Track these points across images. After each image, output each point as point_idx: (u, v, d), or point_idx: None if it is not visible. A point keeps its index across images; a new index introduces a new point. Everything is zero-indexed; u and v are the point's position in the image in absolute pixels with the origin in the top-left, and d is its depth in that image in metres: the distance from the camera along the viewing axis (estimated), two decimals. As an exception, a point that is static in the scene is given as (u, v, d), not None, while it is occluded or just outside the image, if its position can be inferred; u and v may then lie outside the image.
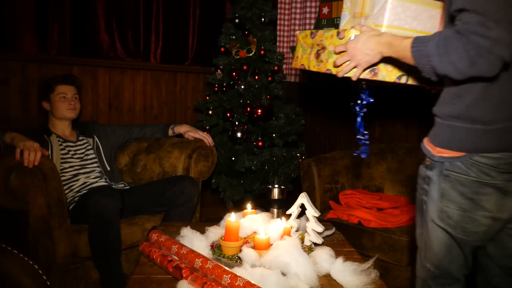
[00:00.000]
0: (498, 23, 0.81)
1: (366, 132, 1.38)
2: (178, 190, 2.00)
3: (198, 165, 2.31)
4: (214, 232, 1.43)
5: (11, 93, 2.27)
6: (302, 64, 1.33)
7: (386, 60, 1.14)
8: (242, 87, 2.72)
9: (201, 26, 3.11)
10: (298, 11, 3.10)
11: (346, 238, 1.57)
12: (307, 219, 1.39)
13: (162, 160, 2.35)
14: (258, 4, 2.76)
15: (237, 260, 1.25)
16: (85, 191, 1.99)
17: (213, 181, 2.82)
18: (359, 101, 1.36)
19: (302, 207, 1.41)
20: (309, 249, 1.36)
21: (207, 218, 2.99)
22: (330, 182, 2.39)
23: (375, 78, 1.19)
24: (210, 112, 2.82)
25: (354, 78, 1.16)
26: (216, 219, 1.58)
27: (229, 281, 1.03)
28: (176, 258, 1.21)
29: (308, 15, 3.06)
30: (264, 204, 2.20)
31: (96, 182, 2.08)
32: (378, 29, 1.14)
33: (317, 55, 1.25)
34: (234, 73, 2.74)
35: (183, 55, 3.07)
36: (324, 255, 1.25)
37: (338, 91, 2.97)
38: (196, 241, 1.32)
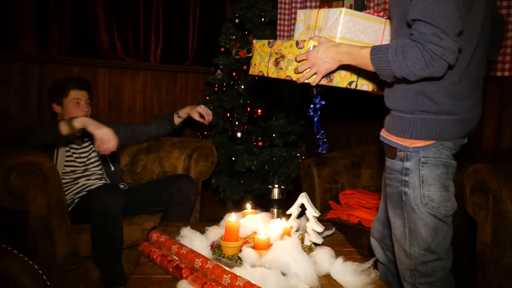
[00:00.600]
0: (448, 35, 0.99)
1: (323, 131, 1.54)
2: (176, 189, 2.00)
3: (198, 165, 2.31)
4: (214, 232, 1.43)
5: (11, 93, 2.27)
6: (261, 71, 1.44)
7: (341, 68, 1.29)
8: (242, 87, 2.72)
9: (201, 26, 3.12)
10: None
11: (346, 238, 1.57)
12: (307, 219, 1.39)
13: (162, 160, 2.35)
14: (258, 4, 2.76)
15: (237, 260, 1.25)
16: (84, 193, 1.99)
17: (213, 181, 2.82)
18: (312, 105, 1.51)
19: (302, 207, 1.41)
20: (309, 249, 1.36)
21: (207, 218, 2.99)
22: (330, 182, 2.39)
23: (330, 84, 1.35)
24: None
25: (313, 84, 1.29)
26: (216, 219, 1.58)
27: (229, 281, 1.03)
28: (176, 258, 1.21)
29: (308, 15, 3.06)
30: (264, 204, 2.20)
31: (96, 183, 2.08)
32: (333, 40, 1.28)
33: (276, 63, 1.38)
34: (234, 73, 2.74)
35: (183, 55, 3.07)
36: (324, 255, 1.25)
37: (338, 91, 2.97)
38: (196, 241, 1.32)
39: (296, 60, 1.29)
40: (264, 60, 1.43)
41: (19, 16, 2.28)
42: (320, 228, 1.36)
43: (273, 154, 2.78)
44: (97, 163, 2.15)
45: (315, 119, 1.51)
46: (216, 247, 1.34)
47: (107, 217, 1.74)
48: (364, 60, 1.14)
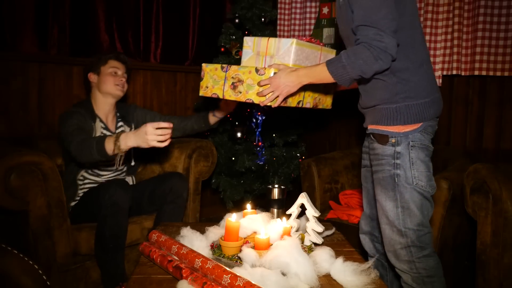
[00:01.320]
0: (386, 33, 1.20)
1: (262, 145, 1.78)
2: (167, 188, 2.00)
3: (198, 165, 2.31)
4: (214, 232, 1.43)
5: (11, 93, 2.27)
6: (215, 93, 1.59)
7: (293, 92, 1.45)
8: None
9: (201, 26, 3.12)
10: (298, 11, 3.10)
11: (346, 238, 1.57)
12: (307, 219, 1.39)
13: (162, 160, 2.35)
14: (258, 4, 2.76)
15: (237, 260, 1.25)
16: (91, 187, 1.99)
17: (213, 181, 2.82)
18: (254, 119, 1.76)
19: (302, 207, 1.41)
20: (309, 249, 1.36)
21: (207, 218, 2.99)
22: (330, 182, 2.39)
23: (285, 105, 1.52)
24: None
25: (274, 106, 1.47)
26: (216, 219, 1.58)
27: (229, 281, 1.03)
28: (176, 258, 1.21)
29: (308, 15, 3.06)
30: (264, 204, 2.20)
31: (104, 178, 2.05)
32: (291, 67, 1.45)
33: (234, 87, 1.52)
34: (234, 73, 2.74)
35: (183, 55, 3.07)
36: (324, 255, 1.25)
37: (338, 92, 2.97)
38: (196, 241, 1.32)
39: (259, 85, 1.44)
40: (219, 83, 1.57)
41: (19, 16, 2.28)
42: (320, 228, 1.37)
43: (273, 154, 2.78)
44: (123, 166, 2.11)
45: (257, 133, 1.78)
46: (216, 247, 1.34)
47: (118, 210, 1.73)
48: (322, 74, 1.32)
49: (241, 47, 2.79)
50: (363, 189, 1.61)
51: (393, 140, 1.33)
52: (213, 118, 2.23)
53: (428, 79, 1.36)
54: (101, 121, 2.04)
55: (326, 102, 1.77)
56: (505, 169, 1.63)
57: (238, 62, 2.82)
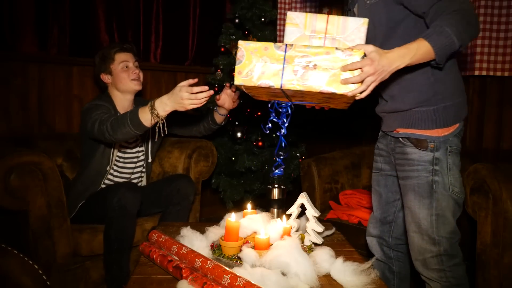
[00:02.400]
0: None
1: (281, 153, 1.44)
2: (174, 189, 1.99)
3: (198, 165, 2.31)
4: (214, 232, 1.43)
5: (11, 93, 2.27)
6: (265, 82, 1.17)
7: None
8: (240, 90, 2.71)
9: (201, 26, 3.12)
10: (298, 11, 3.10)
11: (346, 238, 1.57)
12: (307, 219, 1.39)
13: (162, 160, 2.35)
14: (258, 4, 2.76)
15: (237, 260, 1.25)
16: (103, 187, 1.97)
17: (213, 181, 2.82)
18: (269, 122, 1.40)
19: (302, 207, 1.41)
20: (309, 249, 1.36)
21: (207, 218, 2.99)
22: (330, 182, 2.39)
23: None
24: (210, 112, 2.82)
25: (362, 97, 1.16)
26: (216, 219, 1.58)
27: (229, 281, 1.03)
28: (176, 258, 1.21)
29: (308, 15, 3.06)
30: (264, 204, 2.20)
31: (117, 179, 2.03)
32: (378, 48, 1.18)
33: (298, 72, 1.16)
34: (234, 73, 2.74)
35: (183, 55, 3.07)
36: (324, 255, 1.25)
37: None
38: (196, 241, 1.32)
39: (344, 69, 1.12)
40: (273, 68, 1.17)
41: (19, 16, 2.28)
42: (320, 228, 1.36)
43: (273, 154, 2.78)
44: (136, 154, 2.07)
45: (281, 137, 1.38)
46: (216, 247, 1.34)
47: (126, 213, 1.71)
48: (422, 50, 1.12)
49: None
50: (374, 193, 1.56)
51: (432, 145, 1.28)
52: (218, 116, 2.12)
53: (459, 76, 1.31)
54: None
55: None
56: (505, 169, 1.63)
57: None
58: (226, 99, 1.98)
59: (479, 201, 1.63)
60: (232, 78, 2.76)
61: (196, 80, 1.53)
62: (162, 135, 1.64)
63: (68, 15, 2.46)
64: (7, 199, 1.63)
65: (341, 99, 1.23)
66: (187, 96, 1.49)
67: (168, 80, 3.00)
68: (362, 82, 1.12)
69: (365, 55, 1.12)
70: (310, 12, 3.05)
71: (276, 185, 1.82)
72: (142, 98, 2.20)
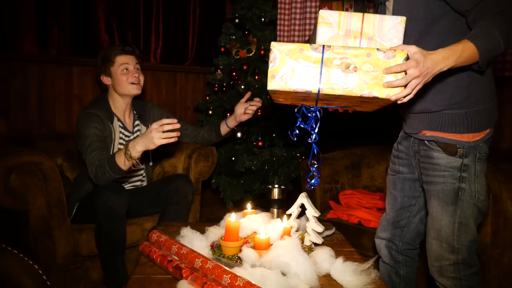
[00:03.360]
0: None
1: (315, 162, 1.33)
2: (173, 189, 1.99)
3: (198, 165, 2.31)
4: (214, 232, 1.43)
5: (11, 93, 2.27)
6: (302, 87, 1.10)
7: None
8: (242, 87, 2.72)
9: (201, 26, 3.12)
10: (298, 11, 3.10)
11: (346, 238, 1.57)
12: (307, 219, 1.39)
13: (163, 160, 2.35)
14: (258, 4, 2.76)
15: (237, 260, 1.25)
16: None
17: (213, 181, 2.82)
18: (296, 129, 1.32)
19: (302, 207, 1.41)
20: (309, 249, 1.36)
21: (207, 218, 2.99)
22: (330, 182, 2.39)
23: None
24: (210, 112, 2.82)
25: (404, 101, 1.09)
26: (216, 219, 1.58)
27: (229, 281, 1.03)
28: (176, 258, 1.21)
29: (308, 15, 3.06)
30: (264, 204, 2.20)
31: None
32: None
33: (339, 76, 1.09)
34: (234, 73, 2.74)
35: (183, 55, 3.07)
36: (324, 255, 1.25)
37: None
38: (196, 241, 1.32)
39: (387, 72, 1.06)
40: (310, 71, 1.10)
41: (19, 16, 2.28)
42: (320, 228, 1.36)
43: (273, 154, 2.78)
44: (142, 166, 2.10)
45: (313, 146, 1.30)
46: (216, 247, 1.34)
47: (112, 216, 1.72)
48: (467, 52, 1.08)
49: (241, 47, 2.79)
50: (389, 195, 1.51)
51: (461, 151, 1.23)
52: (225, 128, 2.18)
53: (492, 78, 1.25)
54: (119, 120, 2.01)
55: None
56: (505, 169, 1.63)
57: (238, 61, 2.82)
58: (241, 107, 2.06)
59: (479, 201, 1.63)
60: (232, 78, 2.76)
61: (170, 121, 1.61)
62: (135, 167, 1.72)
63: (68, 15, 2.46)
64: (7, 199, 1.63)
65: (377, 103, 1.17)
66: (155, 129, 1.60)
67: (168, 80, 3.00)
68: (406, 85, 1.06)
69: (408, 56, 1.06)
70: (310, 9, 3.05)
71: (276, 185, 1.82)
72: (141, 101, 2.20)
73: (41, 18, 2.36)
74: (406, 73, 1.05)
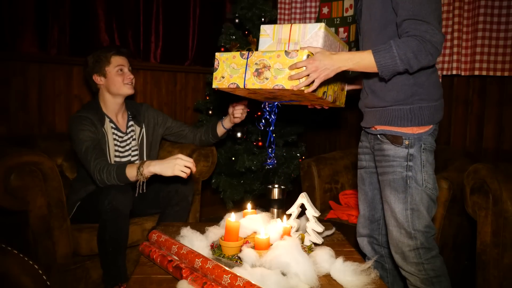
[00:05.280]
0: (438, 29, 1.20)
1: (273, 146, 1.69)
2: (172, 190, 1.98)
3: (198, 165, 2.31)
4: (214, 232, 1.43)
5: (11, 93, 2.27)
6: (234, 83, 1.44)
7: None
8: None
9: (201, 26, 3.12)
10: (298, 11, 3.11)
11: (346, 238, 1.57)
12: (307, 219, 1.39)
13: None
14: (258, 4, 2.77)
15: (237, 260, 1.25)
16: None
17: (213, 181, 2.82)
18: (263, 120, 1.63)
19: (302, 207, 1.41)
20: (309, 249, 1.36)
21: (207, 218, 2.99)
22: (330, 182, 2.39)
23: (312, 93, 1.39)
24: (210, 112, 2.82)
25: (309, 91, 1.33)
26: (216, 219, 1.58)
27: (229, 281, 1.03)
28: (176, 258, 1.21)
29: (308, 15, 3.06)
30: (264, 204, 2.20)
31: None
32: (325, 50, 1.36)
33: (258, 73, 1.39)
34: (234, 73, 2.74)
35: (183, 55, 3.07)
36: (324, 255, 1.25)
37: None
38: (196, 241, 1.32)
39: (291, 68, 1.33)
40: (238, 71, 1.43)
41: (19, 16, 2.28)
42: (320, 228, 1.37)
43: (273, 154, 2.78)
44: (129, 158, 2.08)
45: (269, 132, 1.61)
46: (216, 247, 1.34)
47: (118, 215, 1.71)
48: (365, 61, 1.26)
49: (241, 47, 2.79)
50: (360, 191, 1.60)
51: (407, 142, 1.34)
52: (221, 129, 2.21)
53: (438, 82, 1.37)
54: (111, 121, 2.00)
55: (341, 99, 1.69)
56: (505, 169, 1.63)
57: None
58: (231, 109, 2.10)
59: (479, 201, 1.63)
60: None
61: (193, 164, 1.70)
62: (140, 192, 1.76)
63: (68, 15, 2.46)
64: (7, 199, 1.63)
65: (308, 97, 1.46)
66: (181, 166, 1.65)
67: (168, 80, 3.00)
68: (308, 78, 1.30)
69: (310, 55, 1.31)
70: (310, 9, 3.06)
71: (276, 185, 1.82)
72: (134, 101, 2.21)
73: (41, 18, 2.36)
74: (306, 68, 1.29)
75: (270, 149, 1.67)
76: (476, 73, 2.28)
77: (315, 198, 2.31)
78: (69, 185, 2.03)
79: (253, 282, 1.01)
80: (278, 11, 3.10)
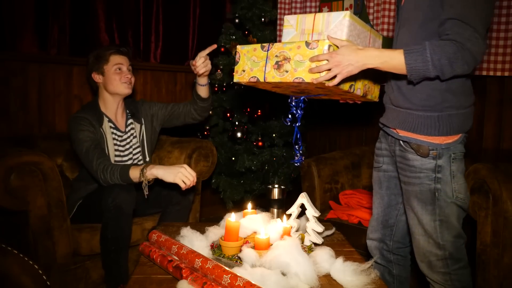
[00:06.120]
0: (482, 37, 1.09)
1: (300, 142, 1.59)
2: (174, 189, 1.98)
3: (198, 165, 2.31)
4: (214, 232, 1.43)
5: (11, 93, 2.27)
6: (254, 77, 1.38)
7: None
8: (242, 87, 2.72)
9: (201, 26, 3.12)
10: (298, 11, 3.10)
11: (346, 238, 1.57)
12: (307, 219, 1.39)
13: (162, 160, 2.35)
14: (258, 4, 2.77)
15: (237, 260, 1.25)
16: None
17: (213, 181, 2.82)
18: (290, 115, 1.54)
19: (302, 207, 1.41)
20: (309, 249, 1.36)
21: (207, 218, 2.99)
22: (330, 182, 2.39)
23: (338, 87, 1.30)
24: (210, 112, 2.82)
25: (330, 85, 1.25)
26: (216, 219, 1.58)
27: (229, 281, 1.03)
28: (176, 258, 1.21)
29: (308, 15, 3.06)
30: (264, 204, 2.20)
31: None
32: (356, 44, 1.27)
33: (278, 66, 1.32)
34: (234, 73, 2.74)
35: (183, 55, 3.07)
36: (324, 255, 1.25)
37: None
38: (196, 241, 1.32)
39: (311, 60, 1.25)
40: (258, 64, 1.37)
41: (19, 16, 2.28)
42: (320, 228, 1.36)
43: (273, 154, 2.78)
44: (130, 156, 2.06)
45: (295, 129, 1.54)
46: (216, 247, 1.34)
47: (121, 214, 1.71)
48: (394, 61, 1.16)
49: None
50: (376, 194, 1.52)
51: (434, 153, 1.24)
52: (201, 89, 2.10)
53: (471, 88, 1.28)
54: (110, 121, 2.00)
55: (374, 92, 1.55)
56: (505, 169, 1.63)
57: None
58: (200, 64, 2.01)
59: (479, 201, 1.63)
60: (231, 77, 2.76)
61: (195, 178, 1.72)
62: (145, 194, 1.75)
63: (68, 15, 2.46)
64: (7, 199, 1.63)
65: (335, 91, 1.37)
66: (184, 175, 1.67)
67: (168, 80, 3.00)
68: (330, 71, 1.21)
69: (333, 46, 1.23)
70: (311, 12, 3.05)
71: (276, 185, 1.82)
72: (133, 100, 2.20)
73: (41, 18, 2.36)
74: (328, 61, 1.20)
75: (297, 146, 1.58)
76: (476, 73, 2.28)
77: (315, 198, 2.31)
78: (69, 185, 2.03)
79: (253, 282, 1.01)
80: (278, 11, 3.09)
